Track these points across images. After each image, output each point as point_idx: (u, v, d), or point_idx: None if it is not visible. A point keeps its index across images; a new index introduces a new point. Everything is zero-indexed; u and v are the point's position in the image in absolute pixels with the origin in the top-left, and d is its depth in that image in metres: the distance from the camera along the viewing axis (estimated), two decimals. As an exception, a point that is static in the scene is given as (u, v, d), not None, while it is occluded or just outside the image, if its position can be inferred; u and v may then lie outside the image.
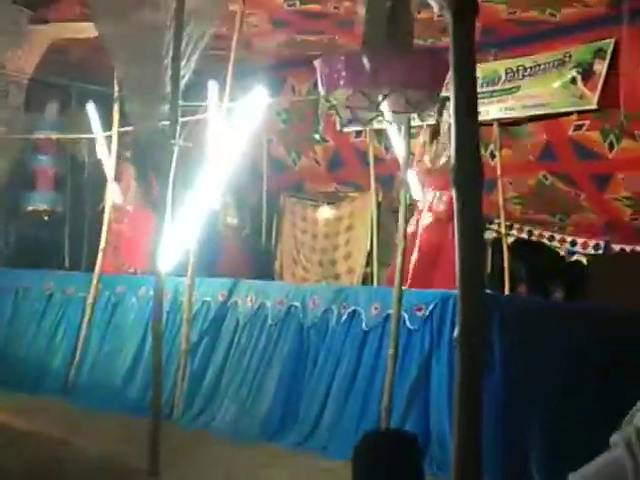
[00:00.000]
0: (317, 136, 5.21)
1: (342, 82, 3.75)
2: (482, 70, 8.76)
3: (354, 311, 6.08)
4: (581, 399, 5.55)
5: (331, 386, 5.92)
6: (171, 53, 4.54)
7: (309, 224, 10.80)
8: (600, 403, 5.50)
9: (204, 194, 6.78)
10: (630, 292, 7.73)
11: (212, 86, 7.15)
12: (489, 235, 10.71)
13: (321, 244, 10.61)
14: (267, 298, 6.62)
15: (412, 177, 6.86)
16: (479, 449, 2.32)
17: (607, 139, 8.30)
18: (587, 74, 7.93)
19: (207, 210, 6.98)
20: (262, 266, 10.59)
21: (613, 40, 7.77)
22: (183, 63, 4.66)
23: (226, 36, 7.11)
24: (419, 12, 4.20)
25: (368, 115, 4.18)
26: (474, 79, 1.94)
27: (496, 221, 9.74)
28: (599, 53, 7.86)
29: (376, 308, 5.95)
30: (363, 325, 5.97)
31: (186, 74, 4.75)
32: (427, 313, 5.68)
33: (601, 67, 7.84)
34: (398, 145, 5.43)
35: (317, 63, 4.09)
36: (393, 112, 4.19)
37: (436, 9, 4.47)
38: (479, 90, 8.28)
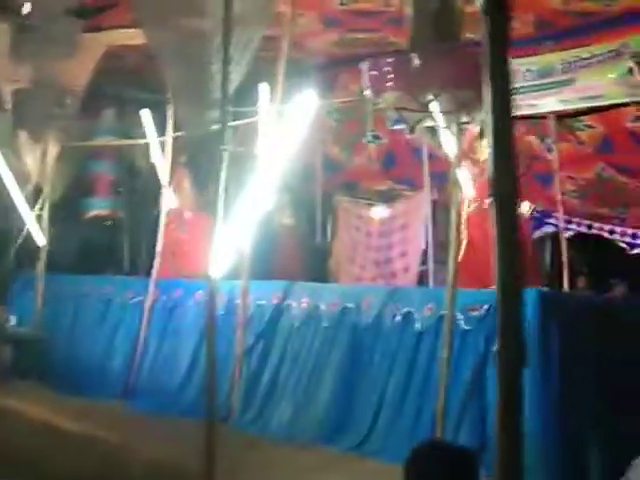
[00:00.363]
0: (368, 138, 5.08)
1: (390, 85, 3.70)
2: (537, 62, 8.61)
3: (408, 312, 6.02)
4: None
5: (386, 388, 5.88)
6: (220, 59, 4.55)
7: (364, 223, 10.73)
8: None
9: (257, 196, 6.79)
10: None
11: (263, 88, 7.14)
12: (548, 229, 10.57)
13: (376, 242, 10.52)
14: (321, 300, 6.61)
15: (464, 175, 6.76)
16: (521, 455, 2.26)
17: (667, 130, 8.12)
18: (644, 64, 7.73)
19: (261, 211, 6.99)
20: (318, 265, 10.58)
21: (671, 28, 7.58)
22: (232, 68, 4.66)
23: (277, 37, 7.10)
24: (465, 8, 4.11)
25: (417, 116, 4.11)
26: (509, 80, 1.89)
27: (555, 215, 9.58)
28: (657, 42, 7.66)
29: (430, 309, 5.89)
30: (417, 326, 5.91)
31: (235, 79, 4.75)
32: (482, 313, 5.60)
33: (658, 57, 7.64)
34: (448, 143, 5.36)
35: (364, 66, 4.05)
36: (443, 113, 4.12)
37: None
38: (534, 83, 8.23)
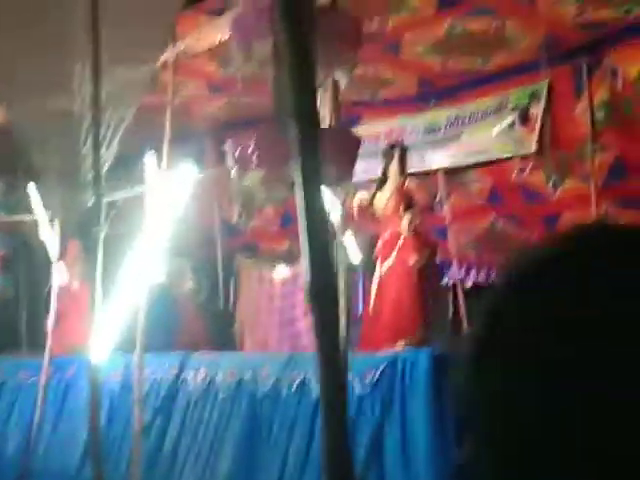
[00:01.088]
0: (237, 219, 4.93)
1: (255, 163, 3.69)
2: (423, 119, 8.83)
3: (304, 379, 5.97)
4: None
5: (286, 460, 5.78)
6: (90, 141, 4.47)
7: (265, 285, 10.71)
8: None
9: (148, 265, 6.69)
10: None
11: (149, 157, 7.06)
12: (448, 281, 10.69)
13: (279, 304, 10.50)
14: (218, 371, 6.50)
15: (349, 240, 6.82)
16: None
17: (550, 180, 8.35)
18: (525, 118, 7.99)
19: (154, 280, 6.88)
20: (222, 331, 10.46)
21: (546, 82, 7.86)
22: (104, 150, 4.59)
23: (162, 105, 7.07)
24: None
25: (285, 192, 4.11)
26: (320, 191, 1.87)
27: (453, 266, 9.70)
28: (534, 96, 7.94)
29: (326, 375, 5.84)
30: (314, 394, 5.85)
31: (107, 160, 4.68)
32: (376, 377, 5.59)
33: (537, 110, 7.91)
34: (332, 208, 5.36)
35: (227, 145, 4.03)
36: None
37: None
38: (421, 139, 8.41)
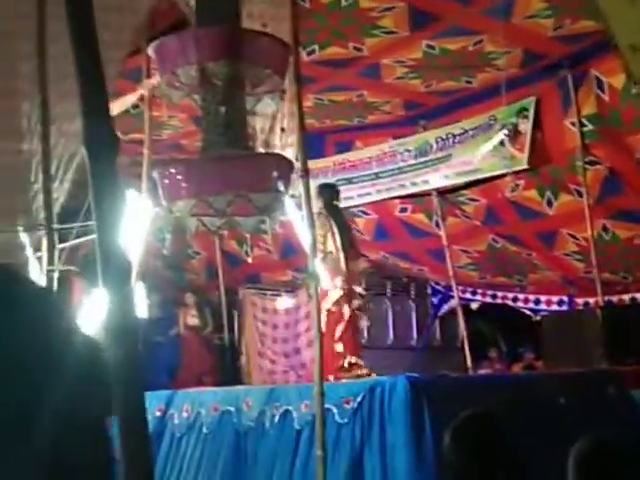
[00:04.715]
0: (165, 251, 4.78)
1: (183, 192, 3.62)
2: (414, 142, 8.74)
3: (286, 410, 5.85)
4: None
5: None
6: (41, 179, 4.43)
7: (269, 315, 10.63)
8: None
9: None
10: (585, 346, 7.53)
11: (131, 194, 7.05)
12: (454, 303, 10.53)
13: (282, 334, 10.42)
14: (202, 406, 6.40)
15: (320, 266, 6.68)
16: None
17: (544, 197, 8.20)
18: (514, 135, 7.86)
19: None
20: (228, 364, 10.40)
21: (534, 98, 7.74)
22: (55, 186, 4.55)
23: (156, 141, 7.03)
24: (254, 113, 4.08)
25: (217, 222, 4.02)
26: (118, 218, 1.76)
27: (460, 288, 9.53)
28: (522, 112, 7.82)
29: (307, 405, 5.71)
30: (295, 424, 5.74)
31: (60, 196, 4.64)
32: (356, 405, 5.46)
33: (526, 126, 7.78)
34: (302, 234, 5.27)
35: (155, 174, 3.94)
36: (242, 216, 4.04)
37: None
38: (412, 162, 8.28)
